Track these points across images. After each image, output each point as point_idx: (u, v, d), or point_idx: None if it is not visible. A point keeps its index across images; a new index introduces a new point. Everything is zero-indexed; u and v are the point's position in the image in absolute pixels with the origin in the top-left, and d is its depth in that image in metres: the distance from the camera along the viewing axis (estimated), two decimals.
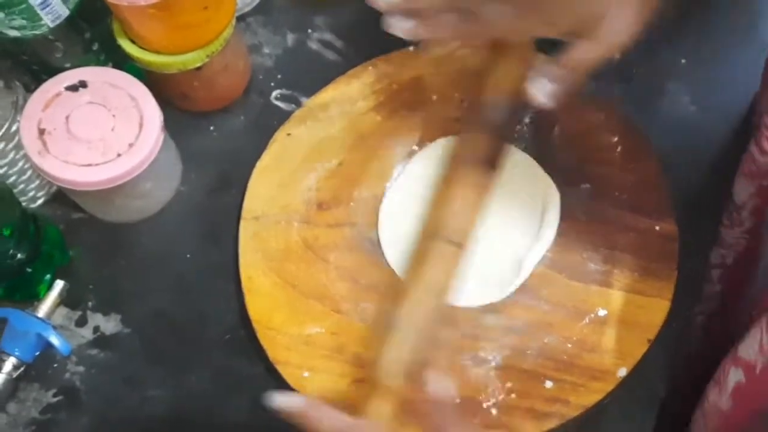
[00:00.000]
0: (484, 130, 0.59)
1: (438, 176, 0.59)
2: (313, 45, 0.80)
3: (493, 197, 0.59)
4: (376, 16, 0.81)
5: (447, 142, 0.71)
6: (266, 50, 0.80)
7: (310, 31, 0.81)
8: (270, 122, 0.76)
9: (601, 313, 0.67)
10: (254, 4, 0.80)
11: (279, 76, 0.79)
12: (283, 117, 0.76)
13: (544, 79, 0.55)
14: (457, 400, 0.52)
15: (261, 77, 0.79)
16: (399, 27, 0.57)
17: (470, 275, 0.60)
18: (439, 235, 0.57)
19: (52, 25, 0.67)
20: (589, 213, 0.70)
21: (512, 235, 0.69)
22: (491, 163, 0.59)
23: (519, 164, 0.71)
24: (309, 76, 0.78)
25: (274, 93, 0.79)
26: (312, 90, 0.77)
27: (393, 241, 0.70)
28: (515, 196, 0.70)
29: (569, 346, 0.66)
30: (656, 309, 0.66)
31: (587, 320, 0.67)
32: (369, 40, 0.79)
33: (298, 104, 0.77)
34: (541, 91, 0.55)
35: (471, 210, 0.58)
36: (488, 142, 0.58)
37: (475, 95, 0.60)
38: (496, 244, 0.69)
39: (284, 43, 0.80)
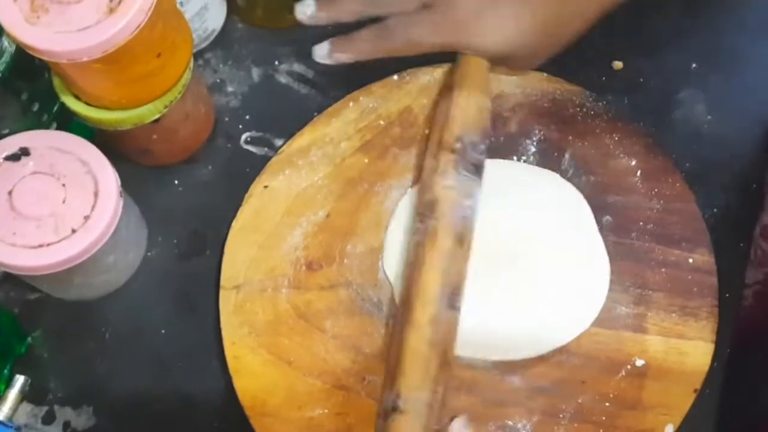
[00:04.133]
0: None
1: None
2: (282, 78, 0.72)
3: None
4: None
5: None
6: (230, 89, 0.71)
7: (276, 62, 0.72)
8: (241, 170, 0.68)
9: (639, 363, 0.60)
10: (211, 38, 0.71)
11: (247, 117, 0.71)
12: (256, 163, 0.68)
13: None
14: None
15: (227, 119, 0.71)
16: (320, 55, 0.64)
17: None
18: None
19: None
20: (613, 249, 0.62)
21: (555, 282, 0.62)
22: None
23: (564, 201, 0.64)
24: (281, 115, 0.70)
25: (244, 136, 0.70)
26: (285, 130, 0.69)
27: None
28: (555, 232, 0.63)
29: (607, 404, 0.59)
30: (699, 353, 0.60)
31: (623, 373, 0.60)
32: (344, 70, 0.71)
33: (272, 147, 0.69)
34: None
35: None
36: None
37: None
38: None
39: (249, 79, 0.72)
